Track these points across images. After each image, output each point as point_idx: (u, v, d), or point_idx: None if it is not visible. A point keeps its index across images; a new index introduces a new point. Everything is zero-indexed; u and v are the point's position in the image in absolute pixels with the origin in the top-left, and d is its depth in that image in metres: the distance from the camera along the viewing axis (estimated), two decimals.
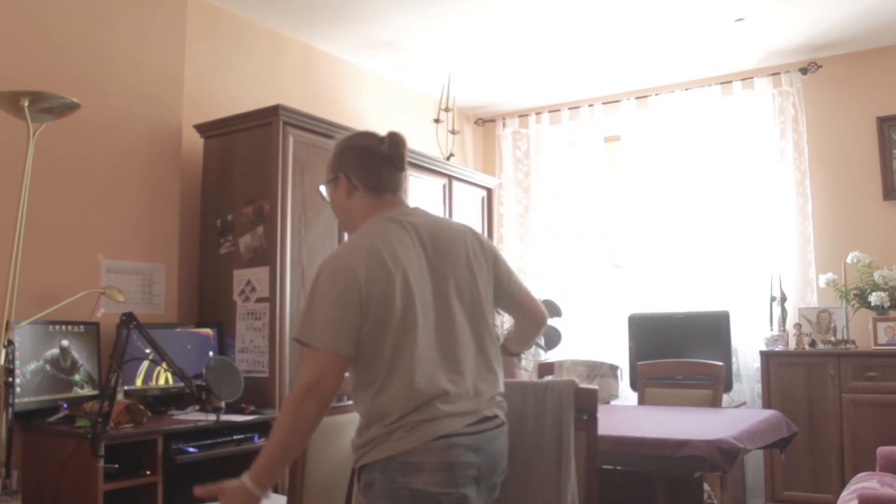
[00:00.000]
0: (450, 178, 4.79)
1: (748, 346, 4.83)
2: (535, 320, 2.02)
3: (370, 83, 5.13)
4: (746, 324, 4.85)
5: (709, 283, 5.02)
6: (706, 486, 3.63)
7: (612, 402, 4.49)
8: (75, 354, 3.02)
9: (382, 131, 1.90)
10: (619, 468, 2.79)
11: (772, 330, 4.66)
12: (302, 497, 2.16)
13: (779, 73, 5.00)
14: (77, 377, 3.01)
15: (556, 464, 1.88)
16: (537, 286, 5.53)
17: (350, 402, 1.96)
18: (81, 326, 3.06)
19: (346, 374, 1.69)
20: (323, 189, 1.95)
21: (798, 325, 4.56)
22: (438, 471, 1.60)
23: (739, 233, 4.99)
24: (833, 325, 4.49)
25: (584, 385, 1.95)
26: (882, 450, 3.40)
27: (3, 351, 2.51)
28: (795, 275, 4.83)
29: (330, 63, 4.82)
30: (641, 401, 3.88)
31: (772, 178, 4.95)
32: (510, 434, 1.83)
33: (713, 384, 3.67)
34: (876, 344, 4.32)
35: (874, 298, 4.31)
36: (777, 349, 4.51)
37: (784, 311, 4.64)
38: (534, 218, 5.77)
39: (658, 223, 5.26)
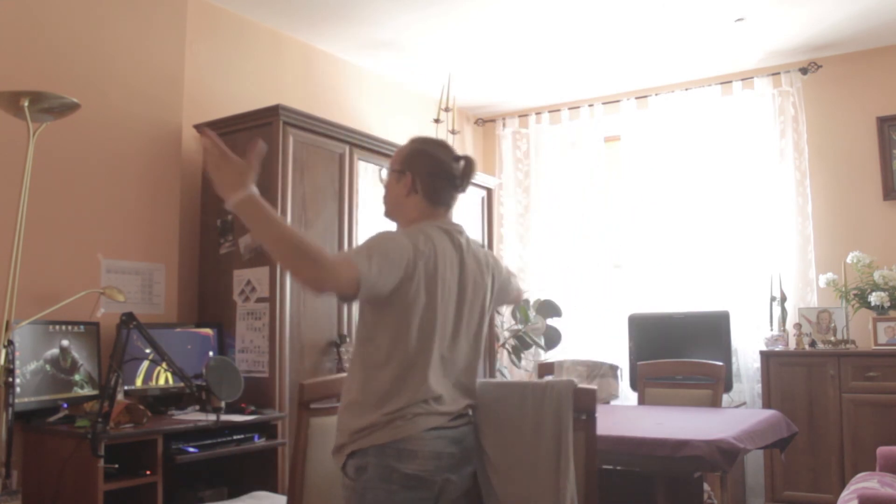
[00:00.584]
0: None
1: (748, 346, 4.83)
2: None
3: (370, 83, 5.13)
4: (746, 324, 4.84)
5: (709, 283, 5.02)
6: (706, 486, 3.63)
7: (612, 402, 4.50)
8: (75, 354, 3.02)
9: (431, 136, 2.03)
10: (618, 468, 2.79)
11: (772, 330, 4.66)
12: (302, 497, 2.16)
13: (779, 73, 5.00)
14: (77, 377, 3.02)
15: (555, 464, 1.89)
16: (537, 286, 5.54)
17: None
18: (81, 326, 3.06)
19: (340, 376, 1.74)
20: (384, 174, 2.02)
21: (798, 325, 4.56)
22: (430, 458, 1.76)
23: (739, 233, 4.98)
24: (833, 325, 4.49)
25: (582, 385, 1.96)
26: (882, 450, 3.40)
27: (3, 351, 2.51)
28: (795, 275, 4.83)
29: (330, 63, 4.82)
30: (641, 401, 3.88)
31: (772, 178, 4.95)
32: (510, 434, 1.93)
33: (713, 384, 3.67)
34: (876, 344, 4.32)
35: (874, 298, 4.31)
36: (777, 349, 4.51)
37: (784, 311, 4.63)
38: (534, 218, 5.77)
39: (658, 223, 5.26)
